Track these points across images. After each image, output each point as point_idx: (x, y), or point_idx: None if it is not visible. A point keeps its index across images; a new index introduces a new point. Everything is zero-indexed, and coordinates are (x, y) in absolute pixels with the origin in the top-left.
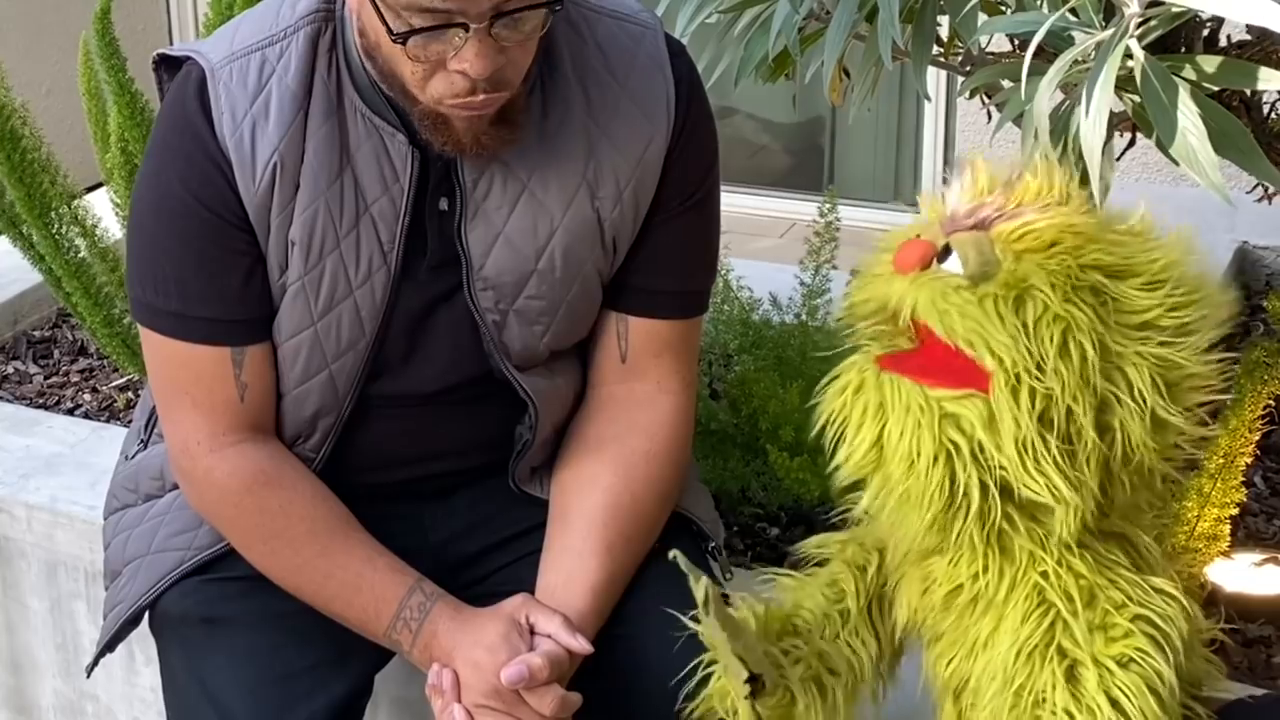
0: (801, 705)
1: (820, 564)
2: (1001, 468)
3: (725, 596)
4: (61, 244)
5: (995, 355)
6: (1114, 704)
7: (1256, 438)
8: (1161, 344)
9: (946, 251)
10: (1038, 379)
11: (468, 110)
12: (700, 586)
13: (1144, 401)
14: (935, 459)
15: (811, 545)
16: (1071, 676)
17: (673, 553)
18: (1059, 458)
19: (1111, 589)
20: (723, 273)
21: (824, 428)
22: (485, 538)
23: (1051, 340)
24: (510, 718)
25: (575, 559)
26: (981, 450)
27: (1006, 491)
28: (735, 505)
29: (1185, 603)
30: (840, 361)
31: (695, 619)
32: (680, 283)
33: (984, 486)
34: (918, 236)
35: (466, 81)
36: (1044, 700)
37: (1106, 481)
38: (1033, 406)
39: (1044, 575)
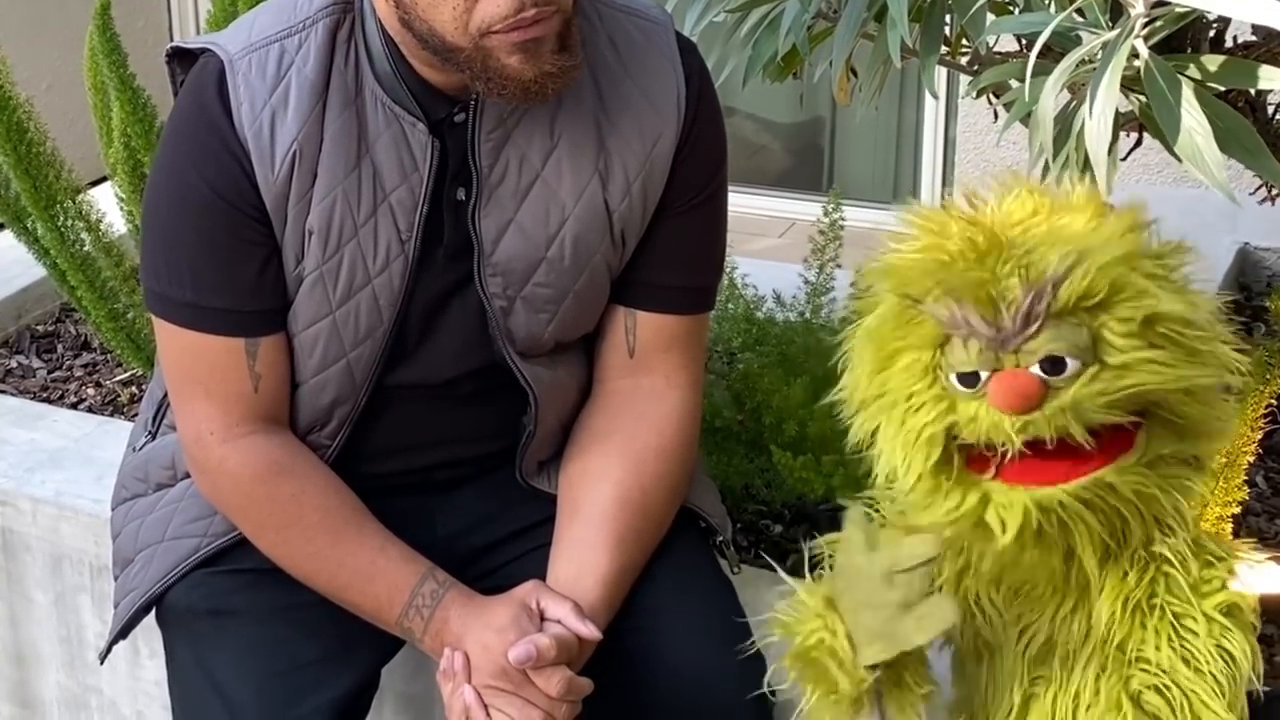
0: (912, 693)
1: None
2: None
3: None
4: (66, 238)
5: (1180, 387)
6: (1223, 653)
7: (1259, 437)
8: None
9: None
10: (1205, 373)
11: (520, 33)
12: (930, 541)
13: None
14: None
15: (824, 544)
16: (1178, 630)
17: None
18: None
19: (1209, 542)
20: (727, 270)
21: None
22: (494, 532)
23: (1200, 340)
24: (518, 698)
25: (586, 551)
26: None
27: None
28: (739, 502)
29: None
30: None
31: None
32: (689, 278)
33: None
34: (995, 372)
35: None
36: (1141, 659)
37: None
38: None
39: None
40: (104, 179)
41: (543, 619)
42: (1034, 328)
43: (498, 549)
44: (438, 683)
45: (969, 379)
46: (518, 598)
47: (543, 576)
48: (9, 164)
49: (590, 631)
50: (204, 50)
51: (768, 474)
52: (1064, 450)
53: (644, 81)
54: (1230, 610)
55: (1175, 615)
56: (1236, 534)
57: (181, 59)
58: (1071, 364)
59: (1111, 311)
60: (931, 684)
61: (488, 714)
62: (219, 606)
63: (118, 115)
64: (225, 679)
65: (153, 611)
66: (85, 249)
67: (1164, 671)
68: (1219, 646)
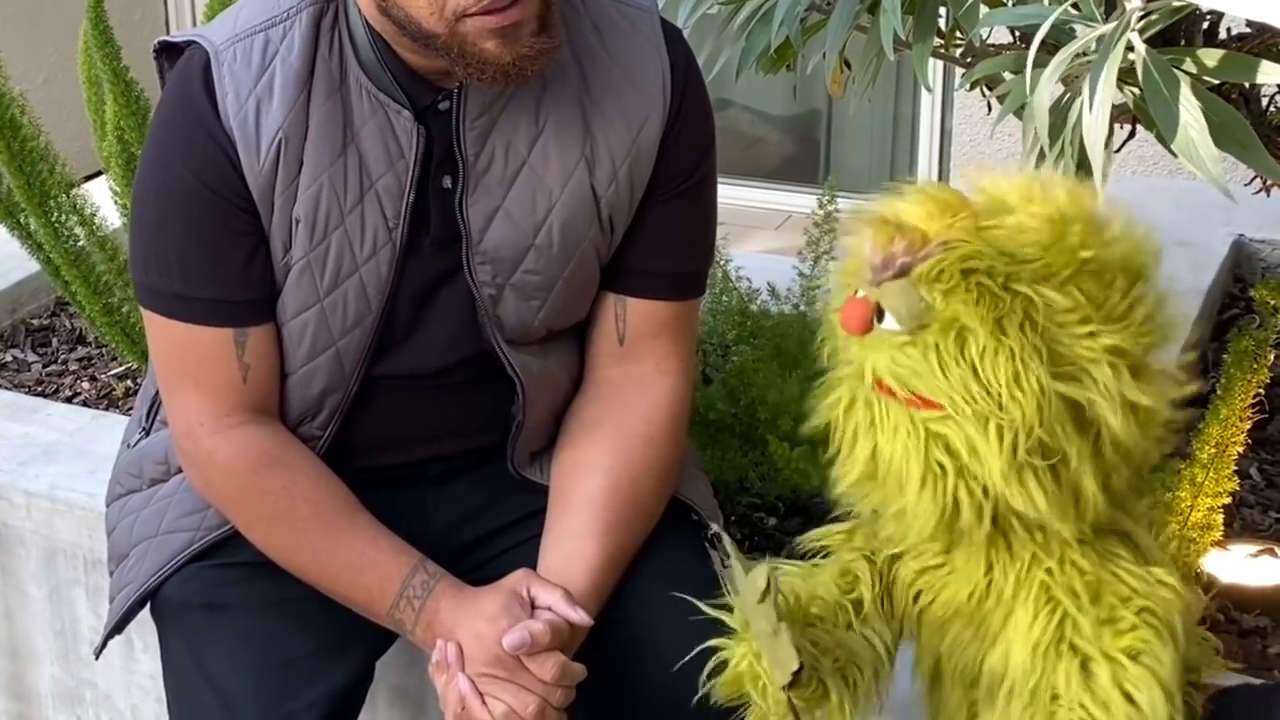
0: (835, 697)
1: (824, 556)
2: (993, 486)
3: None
4: (60, 232)
5: (955, 403)
6: (1127, 697)
7: (1247, 427)
8: (1107, 333)
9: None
10: (1000, 415)
11: (497, 18)
12: (761, 574)
13: (1112, 394)
14: (924, 480)
15: (813, 538)
16: (1084, 672)
17: (714, 529)
18: (1042, 478)
19: (1116, 583)
20: (721, 263)
21: (827, 431)
22: (486, 523)
23: (999, 376)
24: (513, 684)
25: (574, 540)
26: (969, 469)
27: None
28: (733, 495)
29: (1184, 592)
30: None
31: (721, 608)
32: (678, 264)
33: (977, 500)
34: (855, 294)
35: None
36: (1058, 696)
37: (1102, 478)
38: (1001, 440)
39: (1049, 573)
40: (100, 173)
41: (534, 606)
42: (889, 274)
43: (490, 541)
44: (430, 676)
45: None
46: (508, 586)
47: (535, 567)
48: (2, 159)
49: (580, 617)
50: (190, 43)
51: (762, 467)
52: None
53: (629, 67)
54: (1139, 653)
55: (1082, 659)
56: (1229, 526)
57: (169, 53)
58: (889, 322)
59: (953, 302)
60: (874, 685)
61: (483, 702)
62: (213, 600)
63: (111, 109)
64: (219, 673)
65: (147, 606)
66: (79, 244)
67: (1081, 706)
68: (1122, 690)
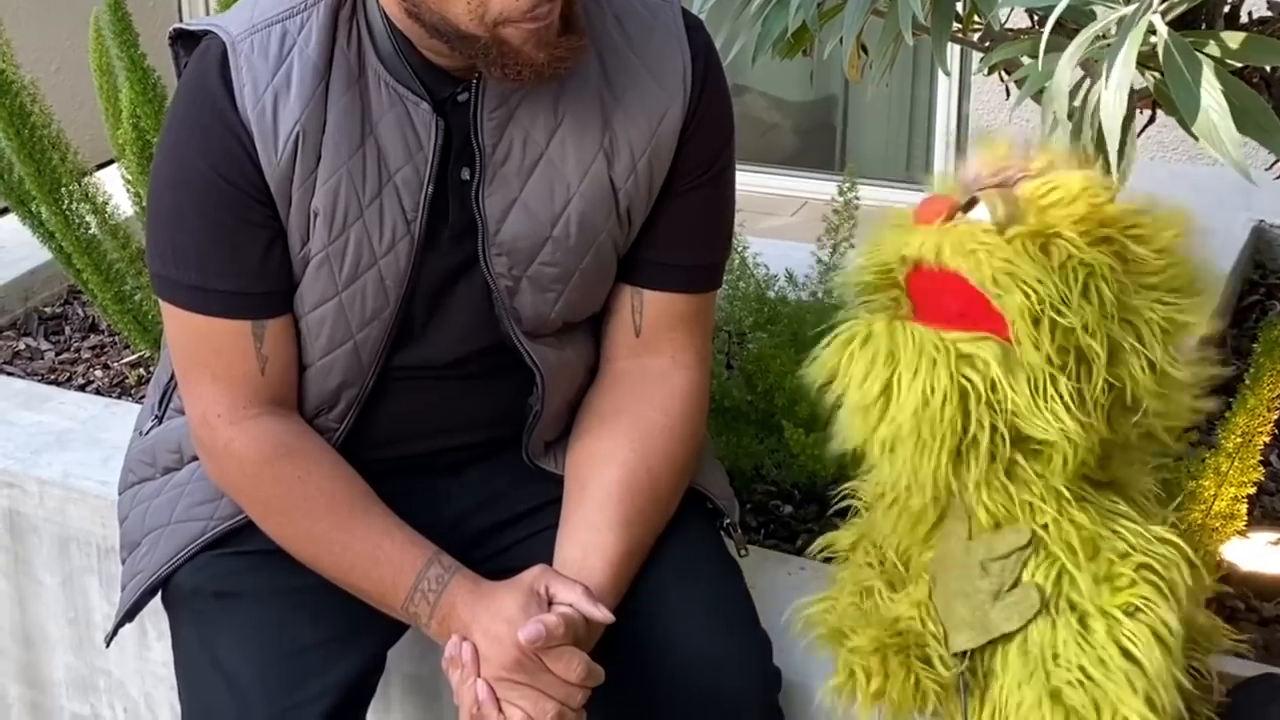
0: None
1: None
2: (1013, 409)
3: None
4: (72, 221)
5: (1024, 289)
6: (1125, 653)
7: (1275, 417)
8: (1167, 304)
9: (969, 207)
10: (1061, 314)
11: (535, 22)
12: (1025, 530)
13: (1153, 351)
14: (947, 397)
15: (817, 549)
16: (1082, 628)
17: (729, 520)
18: (1069, 397)
19: (1114, 539)
20: (739, 249)
21: (822, 390)
22: (500, 513)
23: (1076, 281)
24: (531, 689)
25: (592, 533)
26: (994, 390)
27: (1014, 439)
28: (749, 483)
29: (1186, 549)
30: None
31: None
32: (695, 256)
33: (994, 430)
34: (937, 195)
35: None
36: (1057, 656)
37: (1110, 427)
38: (1052, 341)
39: (1044, 528)
40: (111, 161)
41: (551, 604)
42: (998, 179)
43: (505, 530)
44: (444, 668)
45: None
46: (525, 584)
47: (550, 558)
48: (12, 148)
49: (603, 614)
50: (206, 32)
51: (777, 455)
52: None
53: (649, 58)
54: (1136, 609)
55: (1080, 615)
56: (1251, 514)
57: (185, 41)
58: (979, 212)
59: (1043, 220)
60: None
61: (499, 708)
62: (225, 588)
63: (127, 96)
64: (230, 661)
65: (159, 594)
66: (91, 232)
67: (1077, 667)
68: (1119, 645)
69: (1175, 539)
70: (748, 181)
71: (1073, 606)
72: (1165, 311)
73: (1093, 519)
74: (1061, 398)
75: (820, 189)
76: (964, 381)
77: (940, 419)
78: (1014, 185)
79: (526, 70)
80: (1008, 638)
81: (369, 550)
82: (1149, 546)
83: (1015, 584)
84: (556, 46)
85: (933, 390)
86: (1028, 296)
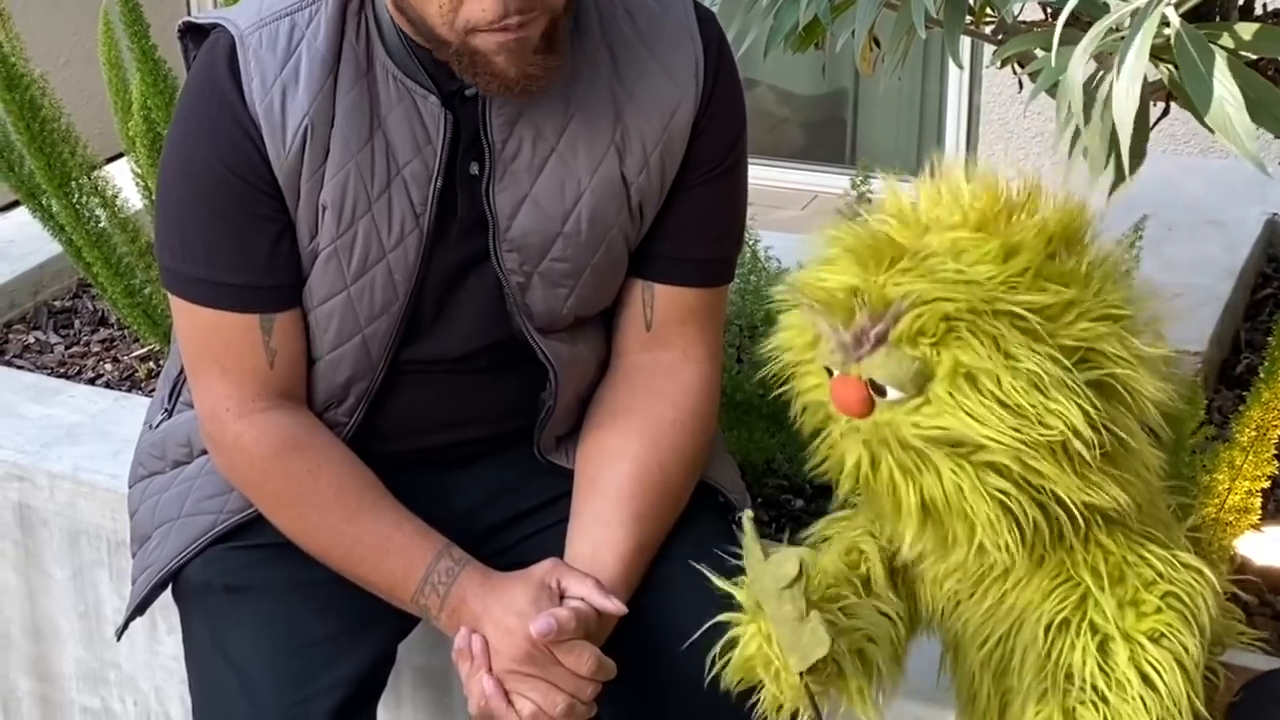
0: (853, 681)
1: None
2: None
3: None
4: (82, 214)
5: (998, 441)
6: (1144, 679)
7: None
8: (1091, 307)
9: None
10: (1046, 432)
11: (504, 36)
12: (792, 560)
13: (1129, 358)
14: (991, 512)
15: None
16: (1102, 651)
17: (746, 513)
18: (1104, 465)
19: (1142, 565)
20: (750, 243)
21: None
22: (510, 507)
23: (1028, 398)
24: (542, 681)
25: (604, 528)
26: (1034, 483)
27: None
28: (760, 477)
29: (1211, 578)
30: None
31: (728, 596)
32: (707, 250)
33: (1052, 509)
34: (834, 375)
35: (496, 4)
36: (1073, 676)
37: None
38: (1056, 455)
39: (1070, 550)
40: (121, 155)
41: (563, 598)
42: (865, 349)
43: (515, 524)
44: (454, 659)
45: (829, 369)
46: (537, 577)
47: (560, 552)
48: (22, 141)
49: (616, 606)
50: (215, 25)
51: (789, 449)
52: None
53: (661, 52)
54: (1161, 635)
55: (1104, 637)
56: (1265, 508)
57: (194, 34)
58: (892, 392)
59: (949, 351)
60: (894, 663)
61: (508, 701)
62: (235, 582)
63: (138, 88)
64: (241, 654)
65: (170, 587)
66: (101, 225)
67: (1093, 688)
68: (1140, 671)
69: (1201, 566)
70: (757, 175)
71: (1094, 629)
72: (1102, 312)
73: (1120, 544)
74: (1098, 469)
75: (831, 182)
76: (998, 495)
77: (995, 526)
78: (887, 336)
79: (496, 82)
80: (1022, 654)
81: (379, 543)
82: (1175, 574)
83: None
84: (531, 64)
85: (974, 511)
86: (1006, 445)
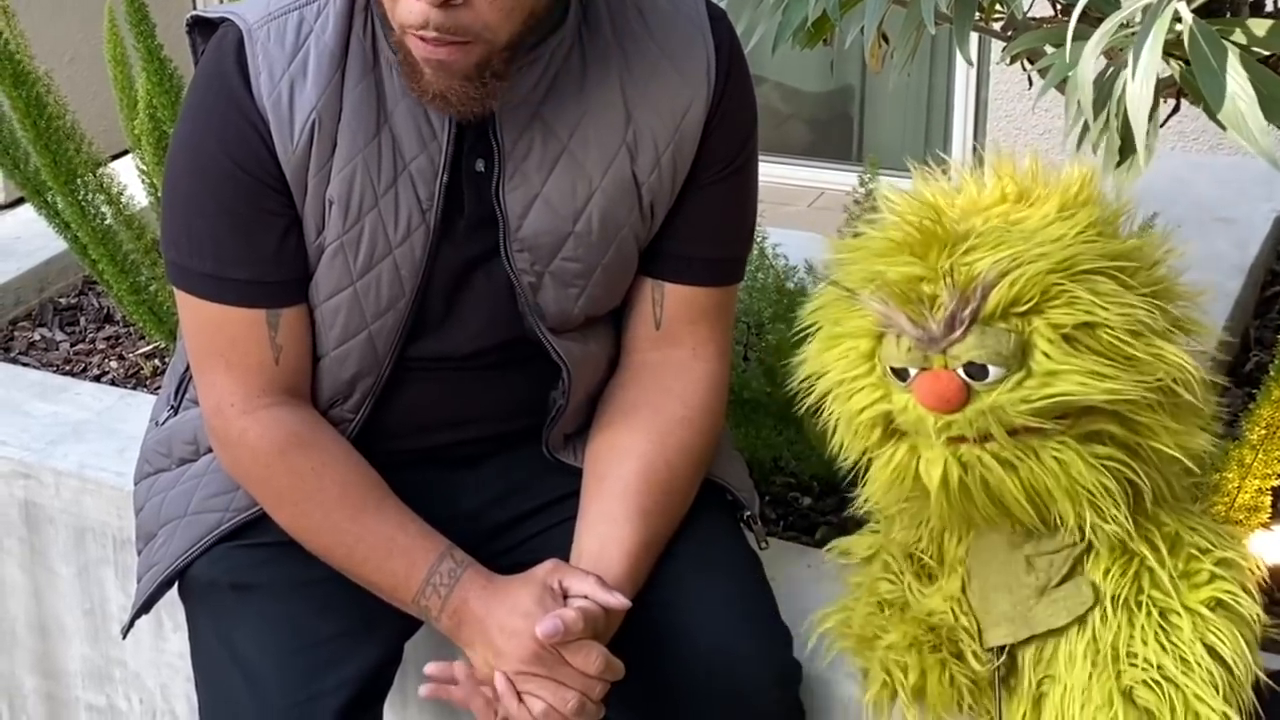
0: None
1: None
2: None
3: None
4: (87, 211)
5: (1116, 398)
6: (1210, 650)
7: None
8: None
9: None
10: (1155, 378)
11: (427, 48)
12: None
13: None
14: (1100, 488)
15: (833, 554)
16: (1166, 626)
17: (749, 512)
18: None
19: (1194, 535)
20: (759, 240)
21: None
22: (518, 505)
23: (1134, 347)
24: (551, 681)
25: (610, 525)
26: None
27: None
28: (767, 475)
29: (1247, 549)
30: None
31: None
32: (717, 250)
33: (1152, 476)
34: (918, 373)
35: (420, 9)
36: (1134, 655)
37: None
38: (1155, 403)
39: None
40: (126, 152)
41: (566, 598)
42: (958, 333)
43: (523, 523)
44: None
45: (900, 373)
46: (538, 578)
47: (567, 551)
48: (28, 138)
49: (618, 601)
50: (223, 19)
51: (797, 446)
52: None
53: (672, 50)
54: (1219, 604)
55: (1161, 611)
56: (1275, 506)
57: (202, 29)
58: (994, 371)
59: (1044, 316)
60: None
61: (519, 699)
62: (241, 580)
63: (143, 86)
64: (247, 653)
65: (175, 585)
66: (106, 222)
67: (1155, 667)
68: (1204, 643)
69: (1239, 536)
70: (764, 171)
71: (1153, 604)
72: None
73: (1171, 518)
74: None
75: (838, 179)
76: (1100, 467)
77: (1096, 500)
78: (979, 316)
79: (418, 88)
80: (1067, 636)
81: (381, 543)
82: (1224, 541)
83: (1065, 579)
84: (452, 88)
85: (1072, 491)
86: (1132, 385)
